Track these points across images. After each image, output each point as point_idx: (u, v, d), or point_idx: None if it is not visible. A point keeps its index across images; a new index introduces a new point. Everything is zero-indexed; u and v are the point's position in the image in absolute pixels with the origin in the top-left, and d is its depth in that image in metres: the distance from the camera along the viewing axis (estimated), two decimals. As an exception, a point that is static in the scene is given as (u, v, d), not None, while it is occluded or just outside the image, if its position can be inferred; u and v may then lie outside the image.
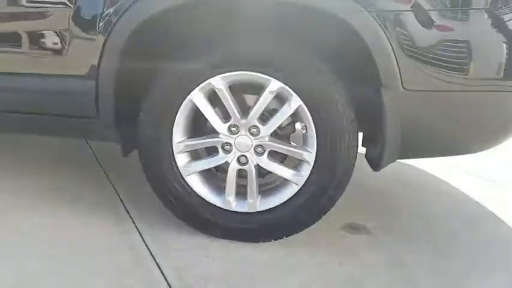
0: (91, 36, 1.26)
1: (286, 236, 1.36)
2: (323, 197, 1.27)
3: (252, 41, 1.22)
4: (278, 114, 1.24)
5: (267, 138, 1.28)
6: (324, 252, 1.34)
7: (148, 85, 1.29)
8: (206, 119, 1.29)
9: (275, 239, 1.37)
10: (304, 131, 1.27)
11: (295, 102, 1.20)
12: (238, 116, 1.26)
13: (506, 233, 1.56)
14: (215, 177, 1.42)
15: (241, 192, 1.35)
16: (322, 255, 1.33)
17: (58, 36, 1.30)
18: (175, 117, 1.28)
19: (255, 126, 1.27)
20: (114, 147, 1.44)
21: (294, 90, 1.19)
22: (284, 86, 1.19)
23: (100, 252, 1.28)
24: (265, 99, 1.23)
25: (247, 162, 1.30)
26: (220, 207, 1.34)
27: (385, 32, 1.08)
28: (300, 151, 1.27)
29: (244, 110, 1.29)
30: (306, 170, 1.27)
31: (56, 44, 1.31)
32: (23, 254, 1.26)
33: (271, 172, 1.33)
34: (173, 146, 1.31)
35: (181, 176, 1.33)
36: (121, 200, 1.65)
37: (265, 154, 1.29)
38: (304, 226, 1.34)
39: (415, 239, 1.45)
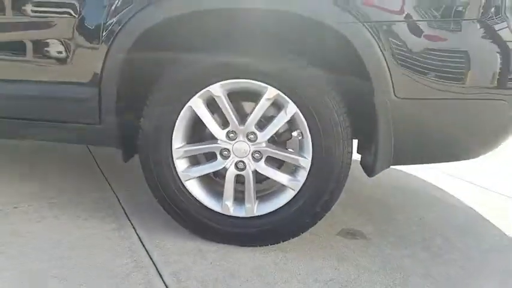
0: (94, 45, 1.30)
1: (283, 241, 1.39)
2: (319, 202, 1.30)
3: (249, 50, 1.25)
4: (275, 120, 1.27)
5: (264, 144, 1.31)
6: (320, 256, 1.36)
7: (149, 92, 1.32)
8: (205, 126, 1.32)
9: (272, 244, 1.39)
10: (300, 138, 1.30)
11: (291, 109, 1.23)
12: (237, 122, 1.29)
13: (499, 238, 1.57)
14: (213, 182, 1.44)
15: (239, 197, 1.37)
16: (319, 259, 1.35)
17: (62, 44, 1.33)
18: (175, 124, 1.31)
19: (253, 132, 1.30)
20: (114, 152, 1.46)
21: (289, 98, 1.22)
22: (280, 93, 1.23)
23: (100, 256, 1.31)
24: (262, 106, 1.26)
25: (245, 168, 1.33)
26: (218, 212, 1.37)
27: (377, 42, 1.11)
28: (296, 157, 1.30)
29: (242, 116, 1.32)
30: (302, 176, 1.29)
31: (60, 52, 1.34)
32: (24, 257, 1.28)
33: (268, 178, 1.36)
34: (173, 151, 1.34)
35: (181, 181, 1.36)
36: (121, 204, 1.68)
37: (263, 160, 1.32)
38: (301, 231, 1.37)
39: (410, 244, 1.47)
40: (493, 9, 1.14)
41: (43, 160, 2.21)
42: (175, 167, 1.35)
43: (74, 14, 1.30)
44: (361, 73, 1.16)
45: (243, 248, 1.38)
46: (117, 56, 1.28)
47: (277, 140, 1.36)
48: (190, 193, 1.37)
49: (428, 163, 1.36)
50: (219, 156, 1.34)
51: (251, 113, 1.28)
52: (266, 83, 1.22)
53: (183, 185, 1.36)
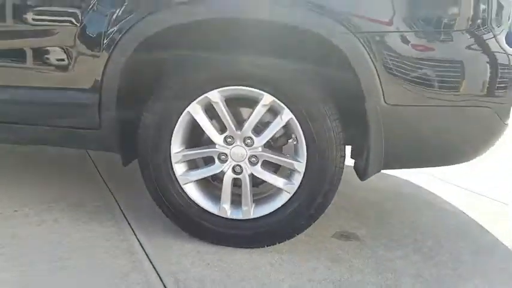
0: (95, 53, 1.34)
1: (279, 242, 1.43)
2: (313, 204, 1.34)
3: (246, 58, 1.29)
4: (271, 126, 1.32)
5: (260, 149, 1.35)
6: (315, 257, 1.40)
7: (149, 98, 1.36)
8: (203, 131, 1.36)
9: (268, 245, 1.42)
10: (295, 142, 1.34)
11: (287, 115, 1.28)
12: (234, 127, 1.33)
13: (489, 241, 1.61)
14: (211, 186, 1.48)
15: (236, 200, 1.41)
16: (313, 260, 1.38)
17: (65, 52, 1.37)
18: (173, 129, 1.34)
19: (250, 137, 1.34)
20: (113, 156, 1.50)
21: (285, 104, 1.27)
22: (276, 100, 1.27)
23: (100, 257, 1.34)
24: (259, 112, 1.30)
25: (241, 172, 1.37)
26: (216, 215, 1.40)
27: (367, 52, 1.16)
28: (291, 161, 1.34)
29: (240, 122, 1.36)
30: (297, 179, 1.33)
31: (62, 59, 1.38)
32: (24, 258, 1.31)
33: (265, 182, 1.40)
34: (171, 155, 1.37)
35: (179, 184, 1.39)
36: (120, 207, 1.71)
37: (259, 164, 1.36)
38: (296, 232, 1.41)
39: (403, 246, 1.51)
40: (479, 21, 1.20)
41: (42, 165, 2.23)
42: (174, 171, 1.39)
43: (75, 23, 1.34)
44: (352, 80, 1.21)
45: (239, 249, 1.41)
46: (118, 63, 1.31)
47: (273, 145, 1.40)
48: (188, 196, 1.40)
49: (418, 167, 1.41)
50: (216, 161, 1.38)
51: (248, 119, 1.33)
52: (262, 90, 1.27)
53: (182, 189, 1.40)
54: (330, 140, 1.27)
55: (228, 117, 1.33)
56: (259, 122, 1.33)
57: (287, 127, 1.33)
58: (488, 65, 1.21)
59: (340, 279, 1.29)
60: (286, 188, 1.35)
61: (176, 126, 1.35)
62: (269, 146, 1.38)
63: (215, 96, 1.30)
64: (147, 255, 1.37)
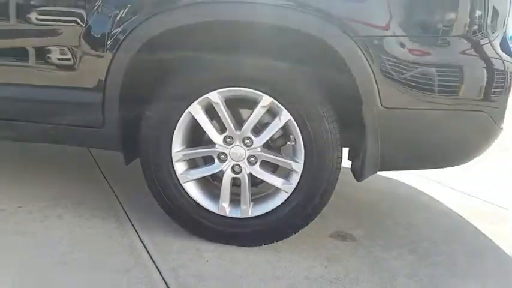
0: (99, 53, 1.37)
1: (277, 241, 1.45)
2: (310, 203, 1.37)
3: (247, 60, 1.32)
4: (269, 127, 1.35)
5: (259, 149, 1.38)
6: (311, 256, 1.43)
7: (151, 98, 1.39)
8: (203, 131, 1.39)
9: (266, 243, 1.45)
10: (293, 143, 1.37)
11: (285, 116, 1.31)
12: (233, 128, 1.36)
13: (483, 243, 1.64)
14: (211, 184, 1.51)
15: (235, 199, 1.44)
16: (309, 259, 1.41)
17: (70, 52, 1.40)
18: (175, 128, 1.38)
19: (249, 137, 1.37)
20: (115, 154, 1.53)
21: (283, 106, 1.30)
22: (274, 101, 1.30)
23: (101, 253, 1.37)
24: (258, 113, 1.33)
25: (240, 171, 1.40)
26: (215, 213, 1.43)
27: (365, 56, 1.19)
28: (289, 161, 1.37)
29: (239, 122, 1.39)
30: (294, 179, 1.36)
31: (67, 59, 1.41)
32: (28, 254, 1.34)
33: (263, 181, 1.43)
34: (172, 154, 1.40)
35: (180, 182, 1.42)
36: (121, 205, 1.74)
37: (258, 164, 1.39)
38: (293, 231, 1.43)
39: (398, 247, 1.54)
40: (475, 27, 1.22)
41: (45, 162, 2.27)
42: (174, 170, 1.42)
43: (80, 23, 1.36)
44: (350, 83, 1.24)
45: (238, 247, 1.44)
46: (121, 63, 1.34)
47: (271, 145, 1.43)
48: (188, 194, 1.43)
49: (414, 169, 1.44)
50: (216, 160, 1.41)
51: (247, 119, 1.36)
52: (261, 92, 1.30)
53: (182, 187, 1.43)
54: (327, 141, 1.30)
55: (228, 118, 1.36)
56: (258, 122, 1.36)
57: (285, 128, 1.36)
58: (483, 70, 1.24)
59: (336, 277, 1.32)
60: (284, 187, 1.38)
61: (177, 126, 1.38)
62: (268, 146, 1.41)
63: (215, 97, 1.33)
64: (148, 251, 1.40)
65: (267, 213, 1.41)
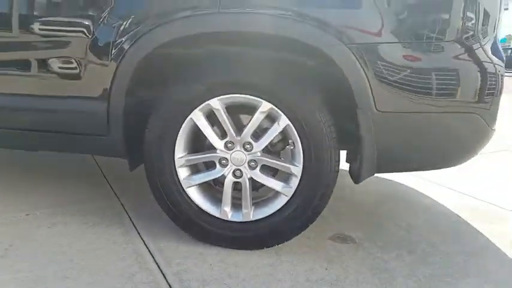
0: (104, 63, 1.41)
1: (278, 243, 1.48)
2: (310, 206, 1.40)
3: (246, 68, 1.36)
4: (269, 132, 1.38)
5: (259, 154, 1.41)
6: (312, 259, 1.45)
7: (154, 105, 1.43)
8: (205, 136, 1.43)
9: (267, 247, 1.48)
10: (292, 147, 1.41)
11: (284, 121, 1.34)
12: (234, 133, 1.40)
13: (482, 243, 1.65)
14: (213, 189, 1.55)
15: (236, 203, 1.47)
16: (310, 261, 1.44)
17: (76, 62, 1.45)
18: (177, 135, 1.41)
19: (249, 142, 1.40)
20: (119, 161, 1.57)
21: (282, 111, 1.34)
22: (273, 107, 1.34)
23: (107, 258, 1.40)
24: (257, 118, 1.37)
25: (241, 176, 1.43)
26: (217, 217, 1.46)
27: (359, 62, 1.23)
28: (288, 165, 1.40)
29: (239, 128, 1.43)
30: (294, 183, 1.39)
31: (74, 69, 1.46)
32: (36, 259, 1.38)
33: (264, 186, 1.46)
34: (175, 160, 1.44)
35: (182, 188, 1.46)
36: (126, 211, 1.78)
37: (258, 168, 1.42)
38: (294, 234, 1.46)
39: (398, 248, 1.56)
40: (467, 32, 1.26)
41: (51, 170, 2.31)
42: (177, 175, 1.45)
43: (87, 34, 1.42)
44: (345, 89, 1.28)
45: (240, 251, 1.47)
46: (125, 72, 1.39)
47: (271, 150, 1.47)
48: (191, 199, 1.47)
49: (410, 171, 1.47)
50: (217, 165, 1.45)
51: (247, 125, 1.39)
52: (260, 98, 1.34)
53: (185, 192, 1.46)
54: (325, 145, 1.33)
55: (229, 124, 1.39)
56: (257, 128, 1.39)
57: (284, 133, 1.39)
58: (475, 74, 1.28)
59: (337, 279, 1.35)
60: (284, 191, 1.41)
61: (180, 132, 1.41)
62: (267, 151, 1.44)
63: (216, 103, 1.37)
64: (152, 256, 1.43)
65: (267, 216, 1.44)
